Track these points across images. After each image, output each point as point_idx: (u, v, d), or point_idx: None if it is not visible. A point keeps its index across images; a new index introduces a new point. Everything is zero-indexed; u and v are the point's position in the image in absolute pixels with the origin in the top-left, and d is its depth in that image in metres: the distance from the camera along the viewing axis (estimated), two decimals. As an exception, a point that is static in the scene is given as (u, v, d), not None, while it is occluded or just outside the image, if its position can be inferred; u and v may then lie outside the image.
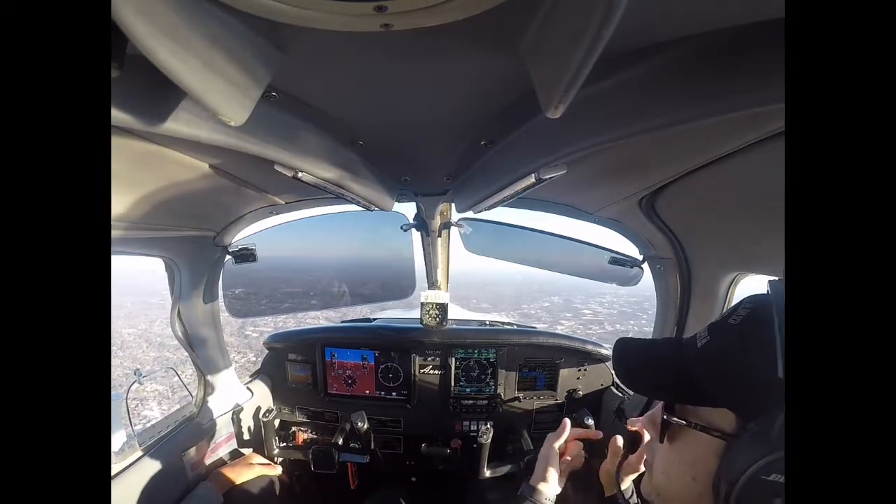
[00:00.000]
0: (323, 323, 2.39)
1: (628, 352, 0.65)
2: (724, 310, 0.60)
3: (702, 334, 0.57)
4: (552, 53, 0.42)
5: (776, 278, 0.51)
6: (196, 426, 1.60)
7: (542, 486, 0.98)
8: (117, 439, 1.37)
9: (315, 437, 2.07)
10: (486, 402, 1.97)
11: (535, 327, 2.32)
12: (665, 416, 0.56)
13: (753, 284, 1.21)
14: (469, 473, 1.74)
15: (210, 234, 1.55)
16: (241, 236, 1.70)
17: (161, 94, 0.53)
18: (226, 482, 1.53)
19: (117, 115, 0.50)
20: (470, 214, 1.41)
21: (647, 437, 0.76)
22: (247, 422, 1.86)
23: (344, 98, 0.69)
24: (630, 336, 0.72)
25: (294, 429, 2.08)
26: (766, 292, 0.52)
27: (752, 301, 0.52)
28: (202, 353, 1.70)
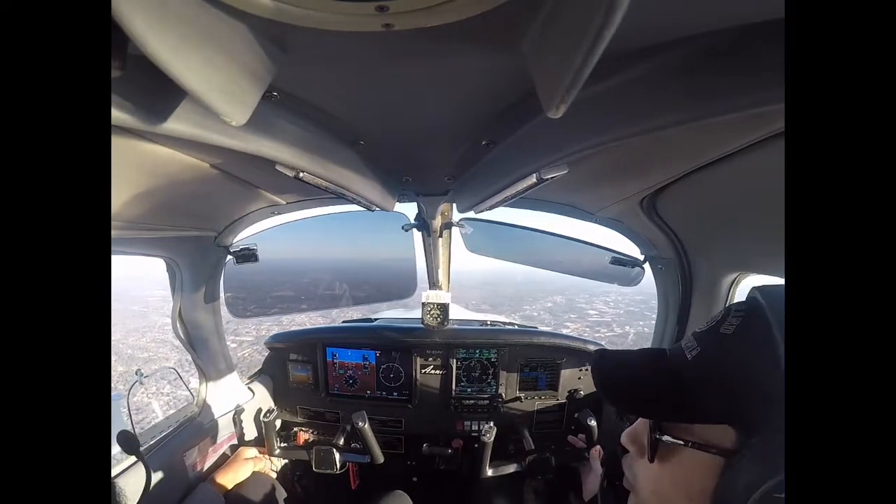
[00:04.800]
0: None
1: (607, 366, 0.61)
2: (709, 319, 0.58)
3: (689, 344, 0.54)
4: (554, 53, 0.42)
5: (760, 285, 0.50)
6: (197, 426, 1.60)
7: None
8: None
9: (316, 437, 2.07)
10: (487, 402, 1.96)
11: (536, 327, 2.32)
12: (656, 435, 0.52)
13: (754, 284, 1.21)
14: (470, 473, 1.73)
15: (211, 234, 1.55)
16: (243, 236, 1.70)
17: (162, 93, 0.53)
18: (224, 484, 1.53)
19: (118, 115, 0.50)
20: (471, 214, 1.41)
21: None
22: (248, 422, 1.86)
23: (345, 98, 0.69)
24: (610, 347, 0.69)
25: (295, 429, 2.08)
26: (752, 298, 0.51)
27: (743, 309, 0.50)
28: (203, 354, 1.70)
